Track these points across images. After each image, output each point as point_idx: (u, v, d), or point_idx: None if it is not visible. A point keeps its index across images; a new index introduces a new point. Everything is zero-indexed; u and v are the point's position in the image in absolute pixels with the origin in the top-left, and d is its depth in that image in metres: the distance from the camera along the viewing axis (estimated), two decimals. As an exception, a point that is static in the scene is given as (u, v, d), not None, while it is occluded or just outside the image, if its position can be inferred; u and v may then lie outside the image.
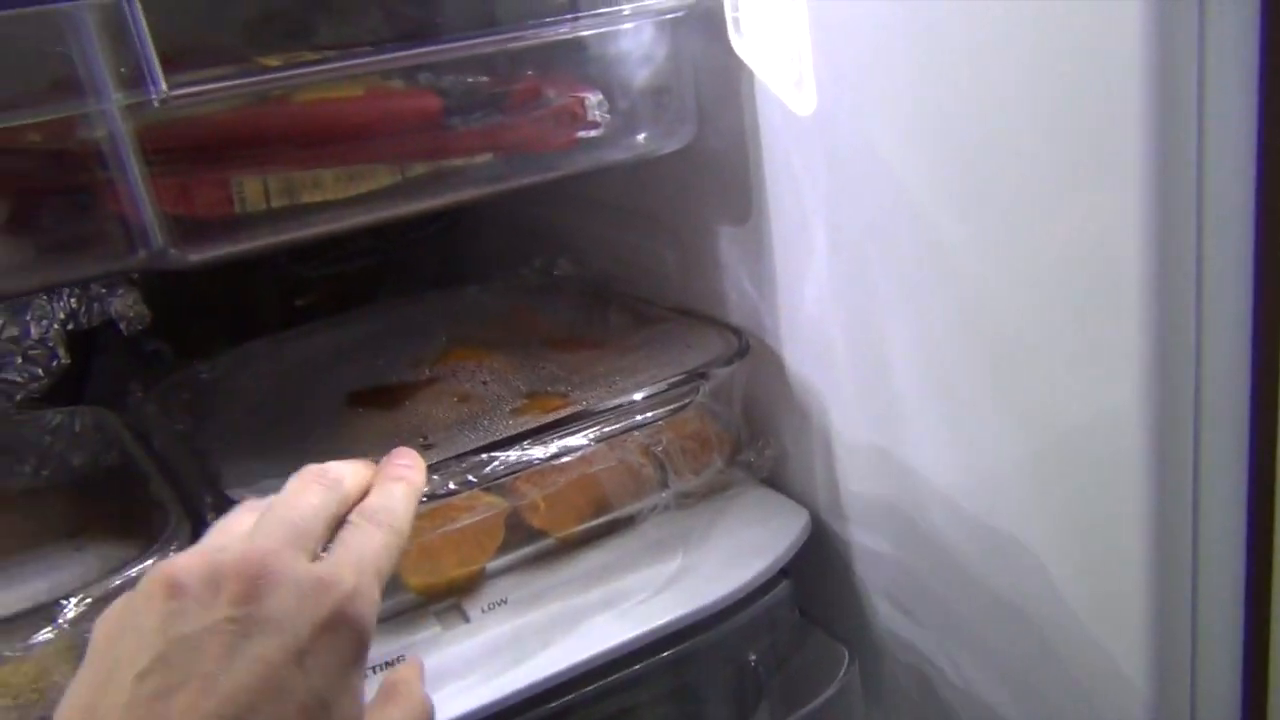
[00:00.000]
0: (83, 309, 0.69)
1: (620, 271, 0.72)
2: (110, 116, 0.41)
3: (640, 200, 0.65)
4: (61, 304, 0.66)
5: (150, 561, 0.42)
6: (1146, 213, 0.35)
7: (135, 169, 0.42)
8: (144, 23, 0.39)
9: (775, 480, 0.60)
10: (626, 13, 0.49)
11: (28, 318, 0.66)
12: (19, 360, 0.66)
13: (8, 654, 0.37)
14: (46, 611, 0.39)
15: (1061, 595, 0.44)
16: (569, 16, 0.48)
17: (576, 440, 0.49)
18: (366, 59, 0.44)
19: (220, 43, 0.53)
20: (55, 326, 0.68)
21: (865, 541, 0.56)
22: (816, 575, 0.58)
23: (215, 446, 0.55)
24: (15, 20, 0.39)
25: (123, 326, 0.75)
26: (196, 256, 0.43)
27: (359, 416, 0.57)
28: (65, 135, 0.43)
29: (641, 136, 0.54)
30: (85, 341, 0.72)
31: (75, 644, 0.40)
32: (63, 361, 0.68)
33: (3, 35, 0.40)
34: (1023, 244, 0.40)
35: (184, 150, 0.44)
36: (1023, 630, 0.47)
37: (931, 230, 0.44)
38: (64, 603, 0.39)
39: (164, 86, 0.40)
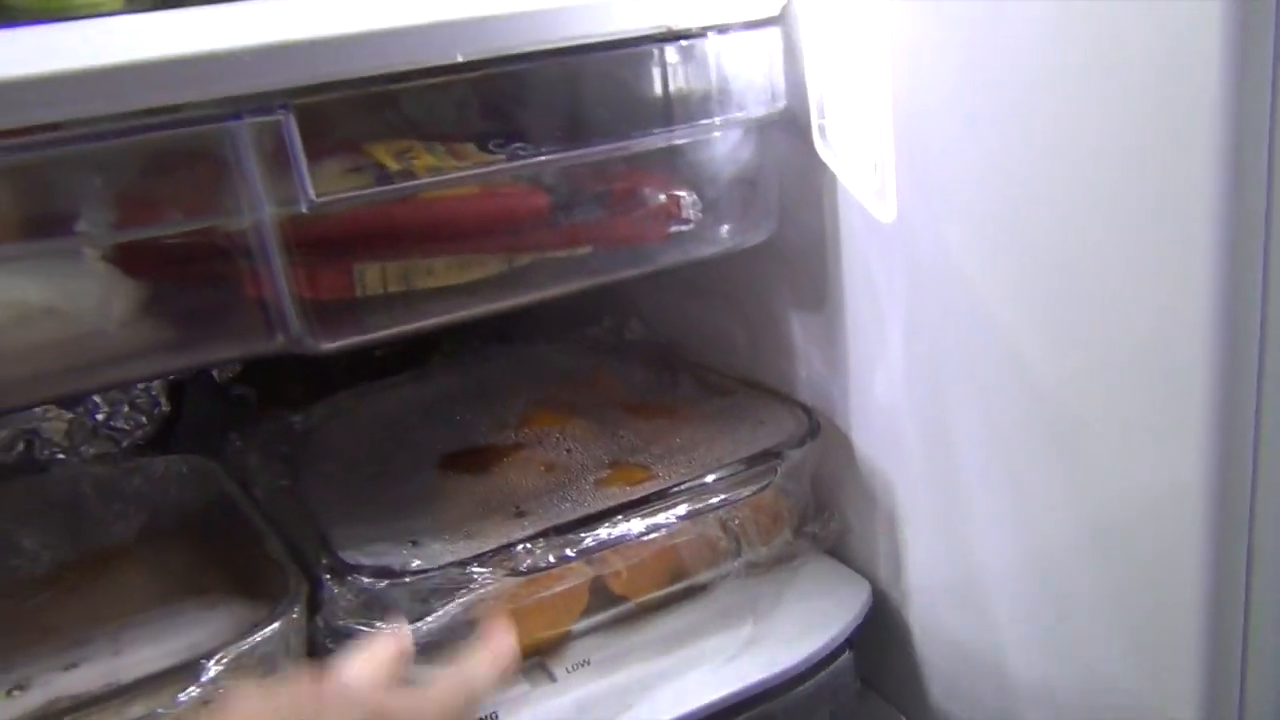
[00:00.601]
0: (183, 359, 0.73)
1: (688, 339, 0.75)
2: (259, 219, 0.45)
3: (713, 278, 0.69)
4: (165, 354, 0.70)
5: (277, 625, 0.46)
6: (1216, 309, 0.38)
7: (278, 261, 0.46)
8: (299, 140, 0.43)
9: (837, 550, 0.63)
10: (719, 122, 0.53)
11: (135, 368, 0.70)
12: (126, 409, 0.70)
13: (160, 711, 0.41)
14: (192, 669, 0.43)
15: (1117, 676, 0.47)
16: (667, 129, 0.51)
17: (664, 518, 0.52)
18: (493, 168, 0.48)
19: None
20: (158, 376, 0.72)
21: (925, 615, 0.59)
22: (877, 645, 0.61)
23: (319, 504, 0.58)
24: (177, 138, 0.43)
25: (215, 374, 0.79)
26: (329, 344, 0.47)
27: (451, 480, 0.60)
28: (209, 229, 0.46)
29: (725, 230, 0.57)
30: (177, 388, 0.76)
31: (209, 698, 0.44)
32: (164, 409, 0.73)
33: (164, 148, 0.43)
34: (1094, 344, 0.43)
35: (318, 242, 0.47)
36: (1077, 708, 0.50)
37: (1005, 330, 0.48)
38: (205, 662, 0.43)
39: (314, 197, 0.44)
